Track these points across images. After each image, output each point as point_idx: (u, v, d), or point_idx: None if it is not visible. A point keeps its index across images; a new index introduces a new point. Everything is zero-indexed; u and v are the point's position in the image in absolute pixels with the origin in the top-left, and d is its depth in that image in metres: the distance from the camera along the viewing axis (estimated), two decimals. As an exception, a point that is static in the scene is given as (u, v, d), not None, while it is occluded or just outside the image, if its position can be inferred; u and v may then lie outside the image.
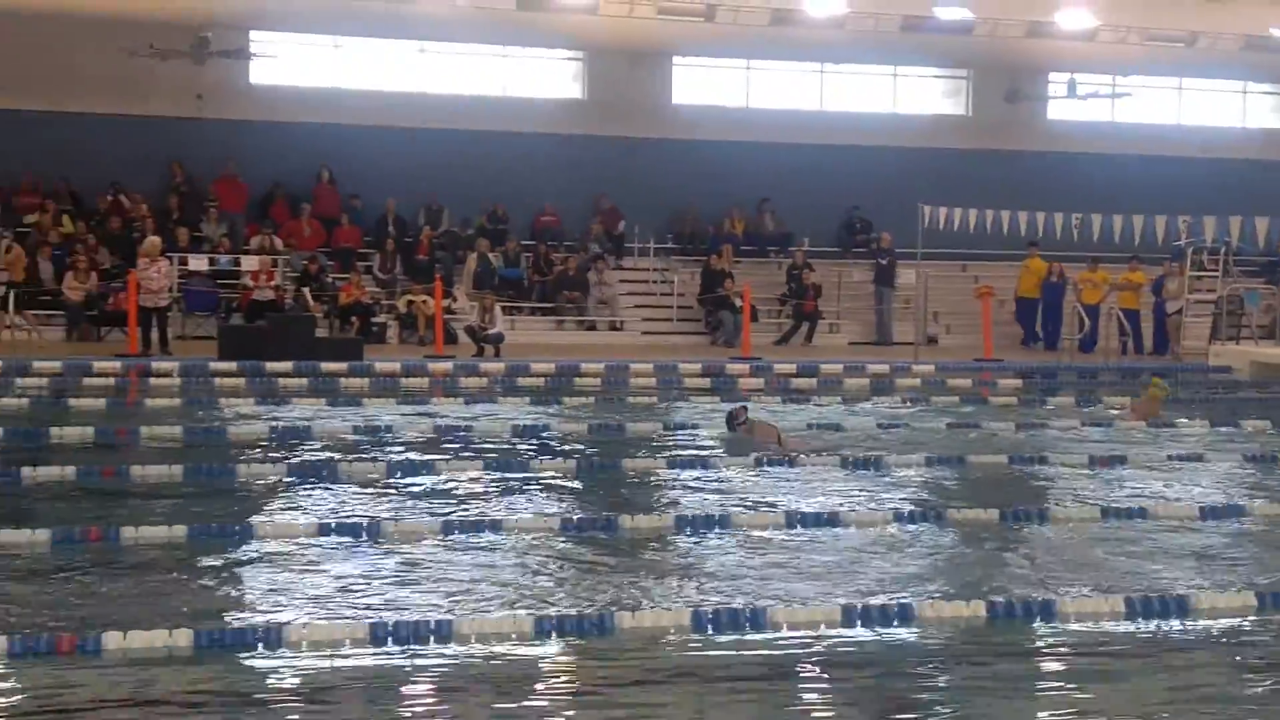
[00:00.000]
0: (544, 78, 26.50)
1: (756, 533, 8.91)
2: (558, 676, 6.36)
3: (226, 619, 6.82)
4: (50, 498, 9.63)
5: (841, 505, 9.69)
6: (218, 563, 7.91)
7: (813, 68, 27.24)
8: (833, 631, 6.88)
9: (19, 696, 5.82)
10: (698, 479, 10.81)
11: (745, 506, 9.69)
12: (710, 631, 6.81)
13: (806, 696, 6.15)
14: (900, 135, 26.98)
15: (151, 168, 23.84)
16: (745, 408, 12.85)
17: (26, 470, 10.18)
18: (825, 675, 6.41)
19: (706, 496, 10.15)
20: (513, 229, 25.12)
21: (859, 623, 6.96)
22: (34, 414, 13.62)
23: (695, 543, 8.70)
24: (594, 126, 25.82)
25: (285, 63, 25.02)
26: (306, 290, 22.16)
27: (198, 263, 22.40)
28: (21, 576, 7.54)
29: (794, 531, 8.98)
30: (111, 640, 6.23)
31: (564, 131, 25.64)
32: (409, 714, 5.78)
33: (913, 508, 9.68)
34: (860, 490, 10.41)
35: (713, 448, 12.32)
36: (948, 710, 5.95)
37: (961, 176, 25.46)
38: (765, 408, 14.57)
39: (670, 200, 26.14)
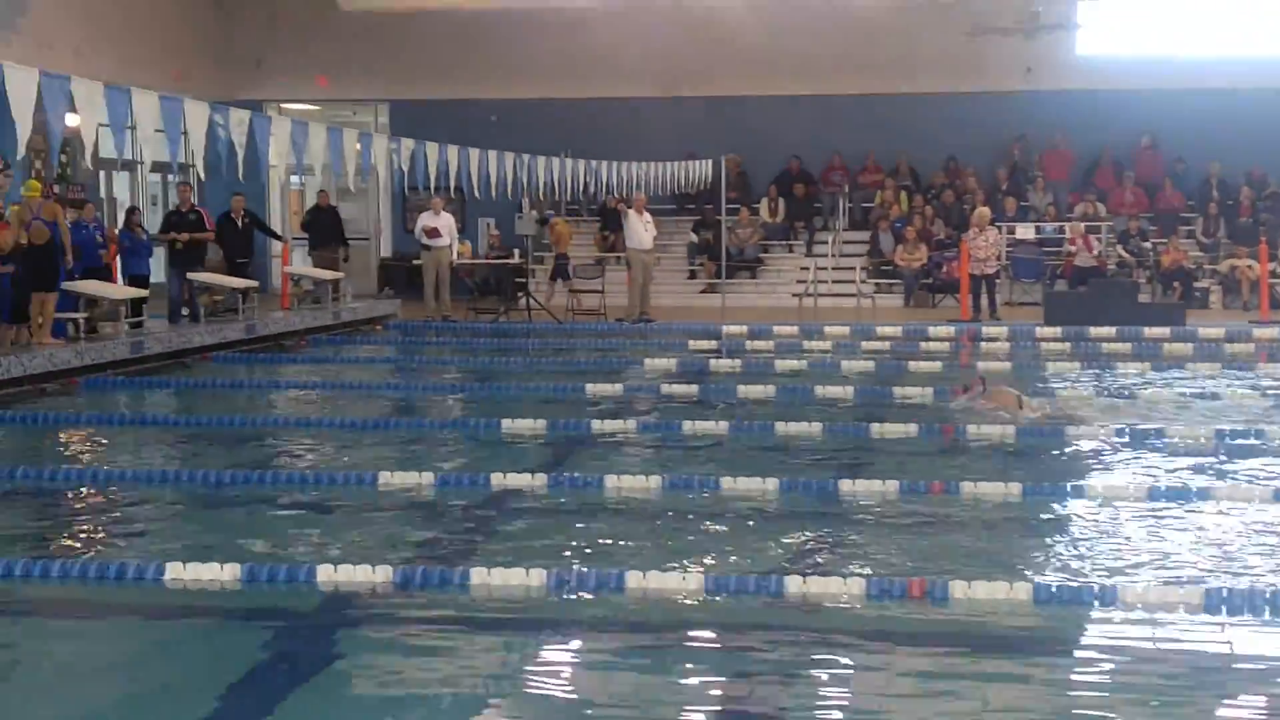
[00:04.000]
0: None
1: None
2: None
3: (1058, 576, 7.10)
4: (895, 453, 10.56)
5: None
6: (1047, 521, 8.40)
7: None
8: None
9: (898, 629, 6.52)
10: None
11: None
12: None
13: None
14: None
15: (982, 142, 24.97)
16: (982, 379, 12.19)
17: (874, 426, 11.35)
18: None
19: None
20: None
21: None
22: (879, 375, 15.04)
23: None
24: None
25: (1111, 31, 25.03)
26: (1125, 253, 22.23)
27: (1024, 231, 23.29)
28: (873, 523, 8.35)
29: None
30: (958, 589, 6.62)
31: None
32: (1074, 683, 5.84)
33: None
34: None
35: None
36: None
37: None
38: None
39: None
